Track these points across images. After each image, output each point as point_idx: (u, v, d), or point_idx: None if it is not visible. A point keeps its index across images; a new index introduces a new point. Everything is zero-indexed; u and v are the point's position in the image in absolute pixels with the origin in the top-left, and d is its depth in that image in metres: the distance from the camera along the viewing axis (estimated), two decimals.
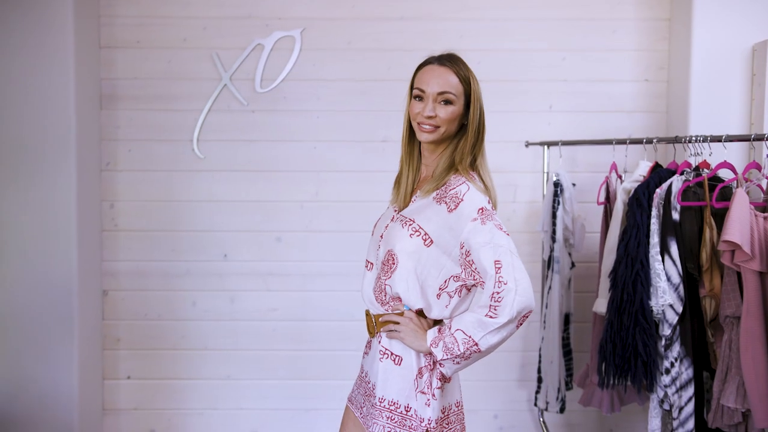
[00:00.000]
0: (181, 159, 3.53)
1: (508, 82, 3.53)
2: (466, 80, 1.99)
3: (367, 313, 2.07)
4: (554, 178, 3.26)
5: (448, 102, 1.96)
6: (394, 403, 1.97)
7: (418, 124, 1.98)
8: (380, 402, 1.98)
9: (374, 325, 2.03)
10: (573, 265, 3.35)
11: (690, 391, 2.58)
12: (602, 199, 3.09)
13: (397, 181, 2.13)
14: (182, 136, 3.52)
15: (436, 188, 1.97)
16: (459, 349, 1.87)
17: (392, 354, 1.99)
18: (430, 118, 1.95)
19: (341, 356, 3.55)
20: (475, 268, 1.86)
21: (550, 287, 3.27)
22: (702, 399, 2.67)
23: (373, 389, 2.01)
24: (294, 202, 3.54)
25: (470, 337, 1.85)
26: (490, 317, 1.82)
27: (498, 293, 1.81)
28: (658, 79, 3.53)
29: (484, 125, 2.02)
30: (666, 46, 3.52)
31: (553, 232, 3.26)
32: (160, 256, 3.55)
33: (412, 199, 2.04)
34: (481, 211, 1.87)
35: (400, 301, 1.98)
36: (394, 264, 1.96)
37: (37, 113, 3.20)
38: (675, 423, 2.61)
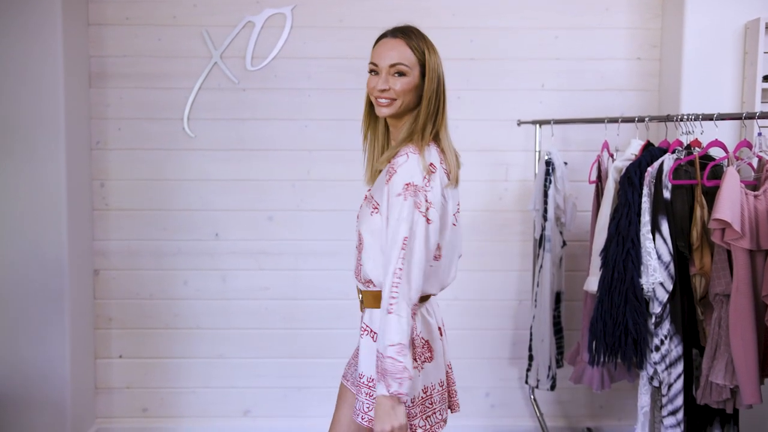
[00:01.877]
0: (171, 138, 3.51)
1: (500, 61, 3.52)
2: (420, 50, 1.97)
3: (359, 290, 2.08)
4: (546, 157, 3.26)
5: (401, 74, 1.95)
6: (373, 380, 1.93)
7: (375, 98, 1.98)
8: (360, 378, 1.97)
9: (361, 301, 2.05)
10: (564, 243, 3.35)
11: (679, 368, 2.60)
12: (594, 177, 3.09)
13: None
14: (173, 114, 3.50)
15: (387, 161, 1.94)
16: (400, 361, 1.76)
17: (371, 330, 1.97)
18: (383, 91, 1.95)
19: (333, 335, 3.56)
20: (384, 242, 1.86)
21: (541, 266, 3.28)
22: (691, 376, 2.68)
23: (357, 365, 2.03)
24: (285, 181, 3.53)
25: (397, 344, 1.76)
26: (390, 312, 1.77)
27: (395, 283, 1.78)
28: (650, 57, 3.53)
29: (444, 96, 2.01)
30: (659, 24, 3.51)
31: (545, 210, 3.26)
32: (152, 235, 3.55)
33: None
34: (406, 186, 1.83)
35: (372, 283, 1.97)
36: (361, 244, 1.99)
37: (26, 92, 3.17)
38: (664, 400, 2.62)
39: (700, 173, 2.58)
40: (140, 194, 3.53)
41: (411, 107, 1.99)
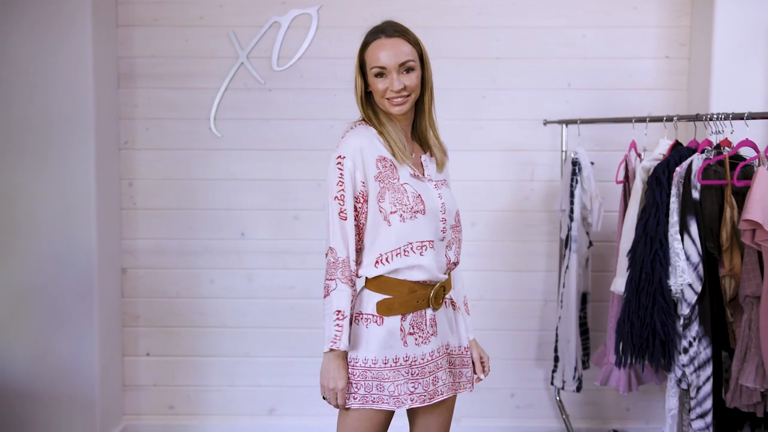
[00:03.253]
0: (198, 137, 3.54)
1: (526, 60, 3.50)
2: (416, 43, 2.03)
3: (435, 284, 2.04)
4: (573, 157, 3.24)
5: (410, 69, 2.00)
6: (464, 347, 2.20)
7: (388, 99, 1.99)
8: (466, 351, 2.19)
9: (444, 292, 2.08)
10: (591, 244, 3.33)
11: (708, 370, 2.58)
12: (621, 177, 3.06)
13: (390, 145, 2.03)
14: (200, 114, 3.53)
15: (443, 150, 2.17)
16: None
17: (456, 305, 2.19)
18: (400, 90, 1.97)
19: None
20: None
21: (567, 266, 3.26)
22: (720, 379, 2.66)
23: (465, 348, 2.18)
24: (311, 181, 3.54)
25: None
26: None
27: None
28: (679, 55, 3.49)
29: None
30: (688, 22, 3.47)
31: (571, 211, 3.24)
32: (179, 234, 3.58)
33: (424, 164, 2.10)
34: None
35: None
36: (459, 222, 2.15)
37: (56, 93, 3.21)
38: (693, 402, 2.60)
39: (730, 173, 2.54)
40: (167, 193, 3.56)
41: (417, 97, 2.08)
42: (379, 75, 1.98)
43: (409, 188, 1.99)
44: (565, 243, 3.29)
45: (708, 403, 2.58)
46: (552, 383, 3.39)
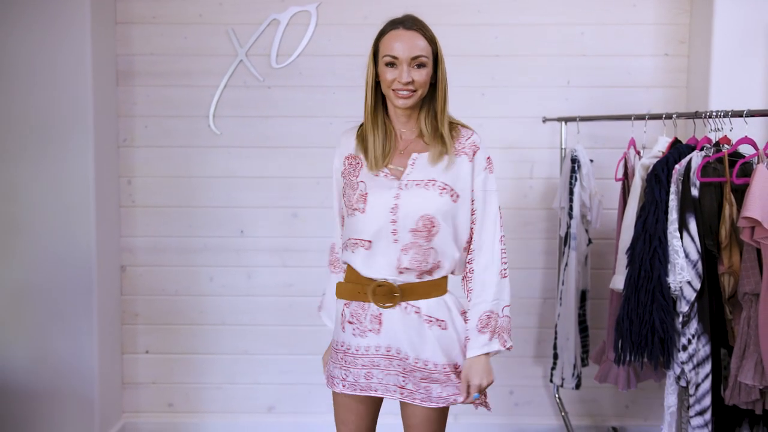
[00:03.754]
0: (197, 135, 3.54)
1: (525, 57, 3.50)
2: (433, 41, 2.02)
3: (381, 284, 2.01)
4: (572, 154, 3.24)
5: (421, 65, 1.98)
6: (455, 365, 2.06)
7: (394, 90, 1.99)
8: (444, 368, 2.03)
9: (397, 295, 2.00)
10: (590, 241, 3.33)
11: (707, 368, 2.57)
12: (620, 175, 3.06)
13: (363, 149, 2.07)
14: (198, 112, 3.52)
15: (448, 146, 2.03)
16: (508, 323, 2.07)
17: (437, 320, 2.03)
18: (408, 83, 1.97)
19: None
20: (477, 217, 2.05)
21: (566, 264, 3.26)
22: (719, 376, 2.66)
23: (423, 360, 2.01)
24: (310, 178, 3.54)
25: (507, 305, 2.07)
26: (504, 276, 2.06)
27: (503, 250, 2.05)
28: (678, 53, 3.49)
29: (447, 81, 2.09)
30: (687, 20, 3.47)
31: (570, 208, 3.24)
32: (178, 231, 3.58)
33: (410, 163, 2.03)
34: (489, 159, 2.10)
35: (436, 271, 2.02)
36: (433, 227, 1.99)
37: (55, 90, 3.21)
38: (692, 400, 2.60)
39: (729, 171, 2.54)
40: (166, 191, 3.56)
41: (425, 96, 2.04)
42: (390, 65, 1.98)
43: (361, 186, 2.03)
44: (564, 240, 3.29)
45: (707, 401, 2.57)
46: (551, 380, 3.39)
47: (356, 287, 2.04)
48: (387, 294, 2.01)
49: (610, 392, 3.62)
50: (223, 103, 3.52)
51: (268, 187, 3.56)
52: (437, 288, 2.04)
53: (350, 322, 2.06)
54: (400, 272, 2.00)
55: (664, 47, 3.49)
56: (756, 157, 2.51)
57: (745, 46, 3.19)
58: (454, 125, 2.09)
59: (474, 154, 2.06)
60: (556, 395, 3.53)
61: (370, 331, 2.04)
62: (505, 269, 2.04)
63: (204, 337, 3.62)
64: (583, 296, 3.32)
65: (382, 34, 2.02)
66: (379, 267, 2.01)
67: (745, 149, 2.61)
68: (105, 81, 3.38)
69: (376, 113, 2.07)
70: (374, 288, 2.01)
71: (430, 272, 2.02)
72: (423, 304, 2.02)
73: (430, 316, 2.02)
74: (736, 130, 2.62)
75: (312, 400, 3.62)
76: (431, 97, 2.06)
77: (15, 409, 3.31)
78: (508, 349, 2.05)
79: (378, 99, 2.07)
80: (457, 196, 2.01)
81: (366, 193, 2.01)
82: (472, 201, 2.05)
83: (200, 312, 3.60)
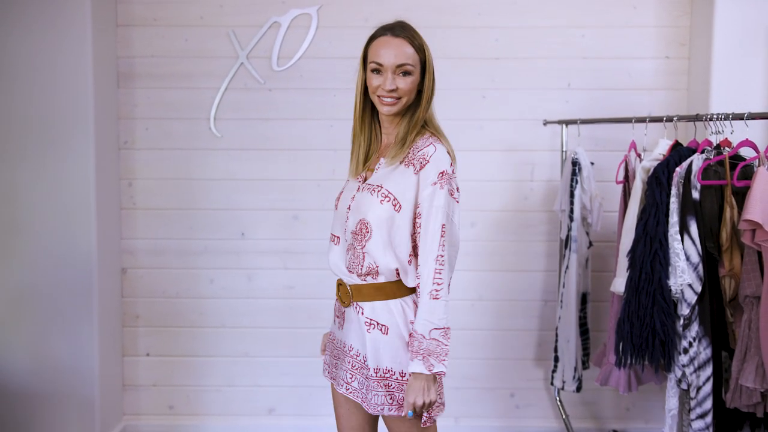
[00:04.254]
0: (198, 137, 3.54)
1: (525, 60, 3.50)
2: (421, 49, 2.01)
3: (341, 284, 2.09)
4: (572, 157, 3.24)
5: (407, 73, 1.98)
6: (389, 371, 2.00)
7: (379, 97, 2.00)
8: (375, 373, 2.00)
9: (350, 295, 2.06)
10: (590, 244, 3.33)
11: (708, 370, 2.58)
12: (621, 177, 3.06)
13: (353, 154, 2.14)
14: (199, 114, 3.52)
15: (401, 152, 2.00)
16: (445, 343, 1.94)
17: (378, 324, 2.01)
18: (391, 91, 1.97)
19: None
20: (419, 232, 1.96)
21: (567, 266, 3.26)
22: (720, 379, 2.66)
23: (365, 361, 2.03)
24: (311, 181, 3.54)
25: (443, 327, 1.94)
26: (435, 298, 1.93)
27: (437, 270, 1.92)
28: (679, 55, 3.49)
29: (434, 89, 2.06)
30: (687, 22, 3.47)
31: (571, 211, 3.24)
32: (178, 234, 3.58)
33: (376, 167, 2.06)
34: (441, 174, 1.94)
35: (374, 275, 2.00)
36: (367, 233, 1.99)
37: (56, 92, 3.21)
38: (692, 403, 2.60)
39: (730, 173, 2.54)
40: (167, 193, 3.56)
41: (411, 103, 2.04)
42: (376, 71, 1.99)
43: (344, 185, 2.19)
44: (565, 243, 3.29)
45: (708, 404, 2.58)
46: (552, 383, 3.39)
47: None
48: (345, 293, 2.08)
49: (611, 395, 3.61)
50: (224, 105, 3.52)
51: (269, 189, 3.55)
52: (382, 292, 2.01)
53: (336, 314, 2.19)
54: (348, 272, 2.06)
55: (665, 50, 3.49)
56: (757, 160, 2.51)
57: (746, 49, 3.20)
58: (422, 133, 2.03)
59: (421, 168, 1.95)
60: (557, 398, 3.53)
61: (337, 326, 2.18)
62: (437, 290, 1.91)
63: (204, 340, 3.62)
64: (583, 299, 3.31)
65: (371, 39, 2.03)
66: (334, 265, 2.12)
67: (746, 152, 2.62)
68: (106, 83, 3.38)
69: (363, 118, 2.09)
70: (337, 286, 2.12)
71: (371, 275, 2.01)
72: (367, 306, 2.03)
73: (371, 319, 2.02)
74: (736, 133, 2.63)
75: (312, 403, 3.61)
76: (416, 104, 2.05)
77: (16, 411, 3.31)
78: (437, 374, 1.91)
79: (367, 103, 2.09)
80: (400, 206, 1.96)
81: (341, 193, 2.16)
82: (419, 215, 1.96)
83: (200, 314, 3.60)
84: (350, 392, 2.08)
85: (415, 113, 2.03)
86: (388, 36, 1.99)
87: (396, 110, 2.00)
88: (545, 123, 3.47)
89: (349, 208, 2.06)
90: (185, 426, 3.63)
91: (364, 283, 2.03)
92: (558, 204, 3.35)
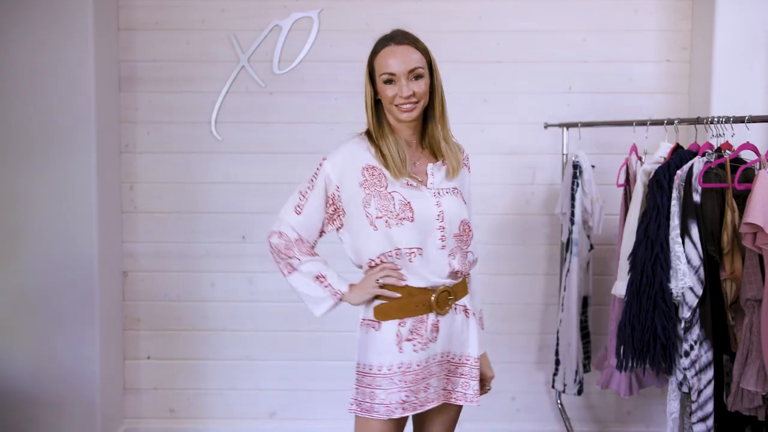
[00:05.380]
0: (199, 141, 3.55)
1: (527, 64, 3.51)
2: (426, 51, 2.05)
3: (443, 290, 2.04)
4: (573, 160, 3.24)
5: (419, 76, 2.02)
6: (477, 359, 2.14)
7: (397, 105, 2.01)
8: (467, 360, 2.12)
9: (453, 298, 2.08)
10: (591, 247, 3.34)
11: (709, 374, 2.58)
12: (622, 181, 3.06)
13: (382, 160, 2.05)
14: (200, 118, 3.54)
15: (455, 155, 2.13)
16: None
17: (473, 313, 2.16)
18: (409, 97, 1.99)
19: None
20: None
21: (568, 270, 3.26)
22: (722, 382, 2.66)
23: (468, 357, 2.12)
24: None
25: None
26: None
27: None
28: (680, 59, 3.50)
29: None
30: (689, 26, 3.48)
31: (572, 214, 3.25)
32: (179, 237, 3.59)
33: (430, 173, 2.07)
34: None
35: (465, 271, 2.13)
36: (470, 231, 2.11)
37: (58, 96, 3.22)
38: (694, 406, 2.60)
39: (731, 176, 2.55)
40: (168, 197, 3.57)
41: (426, 104, 2.07)
42: (389, 81, 2.00)
43: (397, 196, 2.01)
44: (566, 246, 3.30)
45: (709, 407, 2.58)
46: (553, 386, 3.39)
47: (413, 301, 2.02)
48: (446, 299, 2.05)
49: (613, 398, 3.62)
50: (225, 109, 3.53)
51: (270, 192, 3.56)
52: (466, 286, 2.16)
53: (409, 339, 2.01)
54: (450, 277, 2.05)
55: (666, 53, 3.50)
56: (758, 163, 2.51)
57: (747, 52, 3.20)
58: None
59: (468, 167, 2.22)
60: (558, 401, 3.53)
61: (430, 341, 2.03)
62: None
63: (205, 343, 3.62)
64: (584, 302, 3.32)
65: (375, 52, 2.04)
66: (432, 274, 2.03)
67: (747, 155, 2.62)
68: (107, 87, 3.39)
69: (381, 128, 2.08)
70: (438, 296, 2.02)
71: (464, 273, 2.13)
72: (465, 301, 2.13)
73: (468, 309, 2.13)
74: (738, 136, 2.63)
75: (313, 406, 3.62)
76: (430, 105, 2.08)
77: (17, 414, 3.32)
78: None
79: (380, 114, 2.09)
80: (466, 203, 2.15)
81: (408, 202, 2.01)
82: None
83: (202, 317, 3.61)
84: (448, 397, 2.13)
85: (434, 115, 2.10)
86: (391, 45, 2.01)
87: (416, 114, 2.02)
88: (546, 126, 3.48)
89: (441, 214, 2.03)
90: (186, 429, 3.63)
91: (458, 281, 2.10)
92: (559, 207, 3.35)
